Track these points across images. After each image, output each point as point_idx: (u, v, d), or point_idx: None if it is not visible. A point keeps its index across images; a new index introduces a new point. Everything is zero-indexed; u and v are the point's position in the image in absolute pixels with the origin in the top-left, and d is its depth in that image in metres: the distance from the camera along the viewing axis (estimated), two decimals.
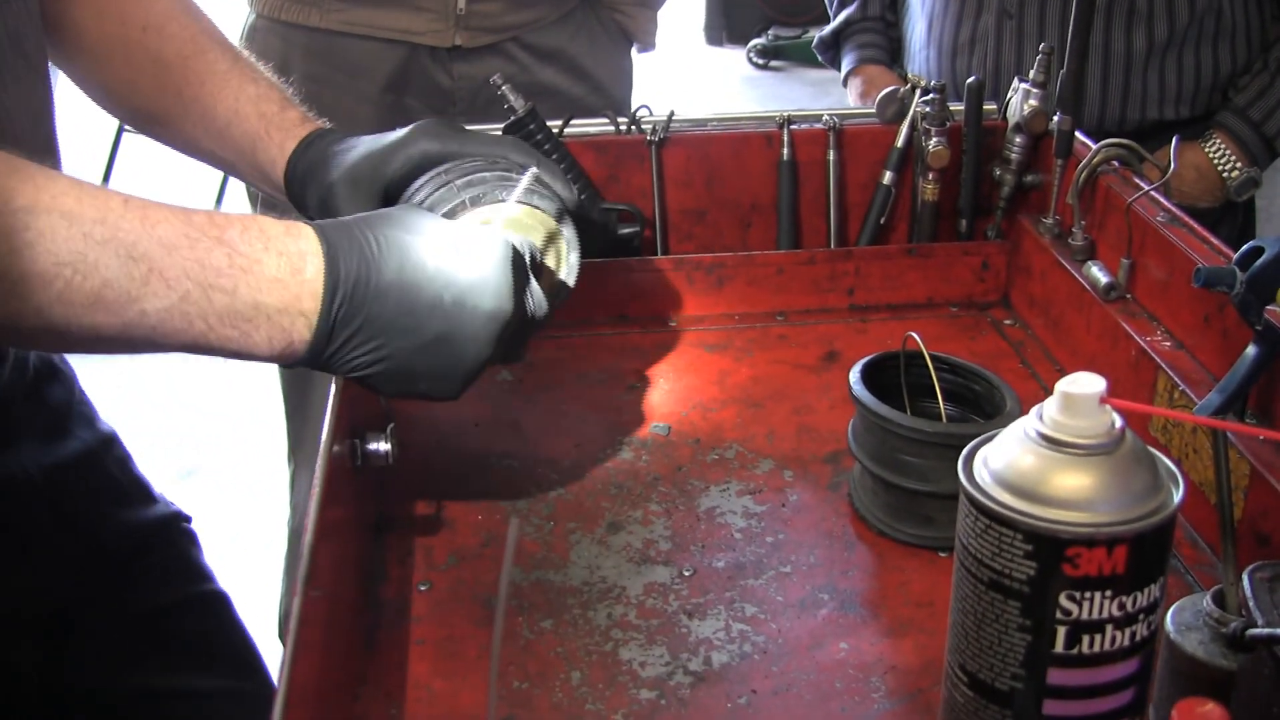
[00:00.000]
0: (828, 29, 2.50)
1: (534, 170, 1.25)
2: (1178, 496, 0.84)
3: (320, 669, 0.98)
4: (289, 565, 2.56)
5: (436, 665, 1.13)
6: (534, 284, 1.16)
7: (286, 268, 1.02)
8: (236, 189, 2.92)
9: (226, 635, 1.56)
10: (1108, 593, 0.82)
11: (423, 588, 1.22)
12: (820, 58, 2.56)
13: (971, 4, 2.19)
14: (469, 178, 1.24)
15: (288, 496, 2.51)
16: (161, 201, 1.00)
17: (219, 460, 3.83)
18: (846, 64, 2.45)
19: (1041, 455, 0.83)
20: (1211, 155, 2.12)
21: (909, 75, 1.85)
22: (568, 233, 1.27)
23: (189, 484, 3.70)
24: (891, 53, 2.43)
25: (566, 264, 1.28)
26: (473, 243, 1.10)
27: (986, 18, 2.17)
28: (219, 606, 1.55)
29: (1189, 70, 2.12)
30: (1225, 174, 2.12)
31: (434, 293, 1.06)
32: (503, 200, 1.22)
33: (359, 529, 1.26)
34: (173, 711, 1.49)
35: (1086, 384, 0.82)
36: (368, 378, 1.08)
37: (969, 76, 1.71)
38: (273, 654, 1.53)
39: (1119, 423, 0.83)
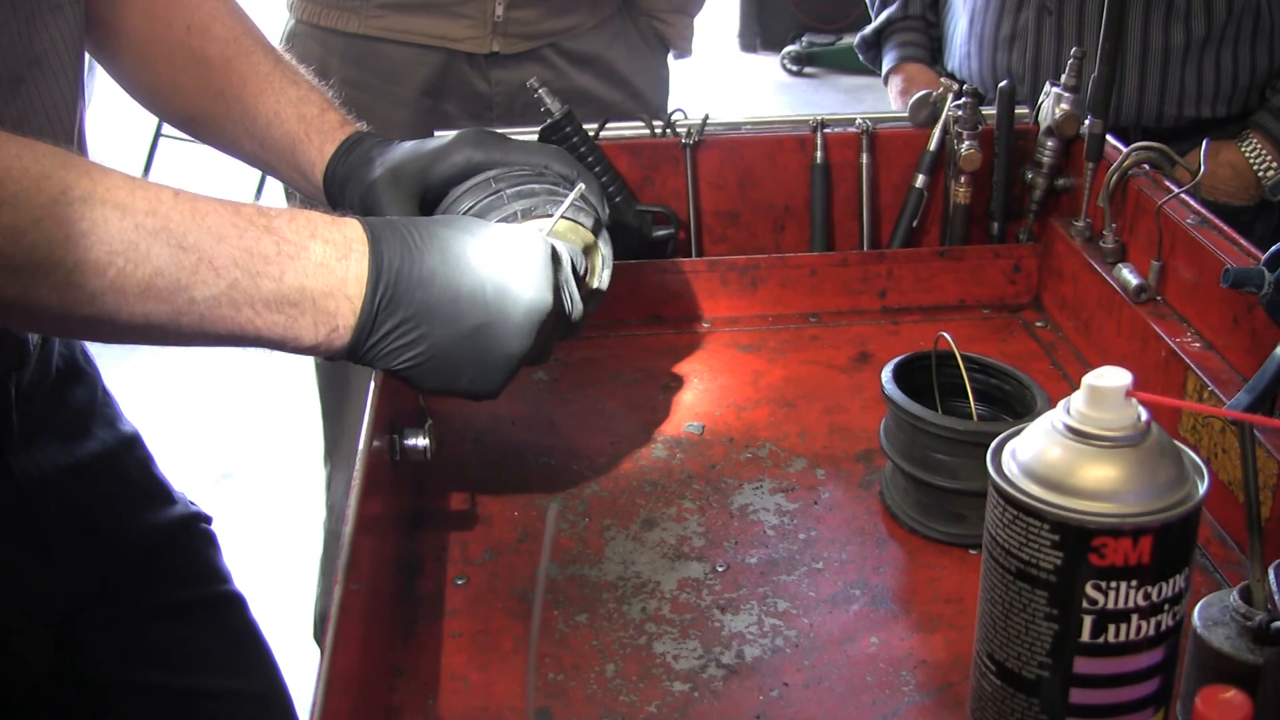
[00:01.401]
0: (869, 28, 2.52)
1: (581, 186, 1.28)
2: (1203, 488, 0.85)
3: (358, 659, 1.00)
4: (325, 567, 2.58)
5: (472, 657, 1.14)
6: (572, 283, 1.18)
7: (333, 254, 1.04)
8: (274, 189, 2.94)
9: (238, 637, 1.57)
10: (1133, 582, 0.84)
11: (459, 582, 1.23)
12: (861, 57, 2.58)
13: (1012, 1, 2.20)
14: (519, 188, 1.27)
15: (324, 498, 2.53)
16: (211, 195, 1.03)
17: (256, 463, 3.86)
18: (887, 62, 2.47)
19: (1069, 447, 0.84)
20: (1248, 154, 2.13)
21: (945, 77, 1.86)
22: (604, 248, 1.31)
23: (226, 486, 3.73)
24: (932, 51, 2.45)
25: (599, 277, 1.31)
26: (514, 239, 1.12)
27: (1027, 13, 2.18)
28: (233, 607, 1.57)
29: (1226, 69, 2.13)
30: (1261, 173, 2.13)
31: (475, 282, 1.08)
32: (550, 215, 1.25)
33: (397, 523, 1.28)
34: (183, 711, 1.50)
35: (1113, 377, 0.83)
36: (409, 369, 1.09)
37: (1008, 72, 1.72)
38: (297, 656, 1.55)
39: (1145, 416, 0.85)
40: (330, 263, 1.04)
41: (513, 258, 1.10)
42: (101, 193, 0.96)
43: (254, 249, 1.01)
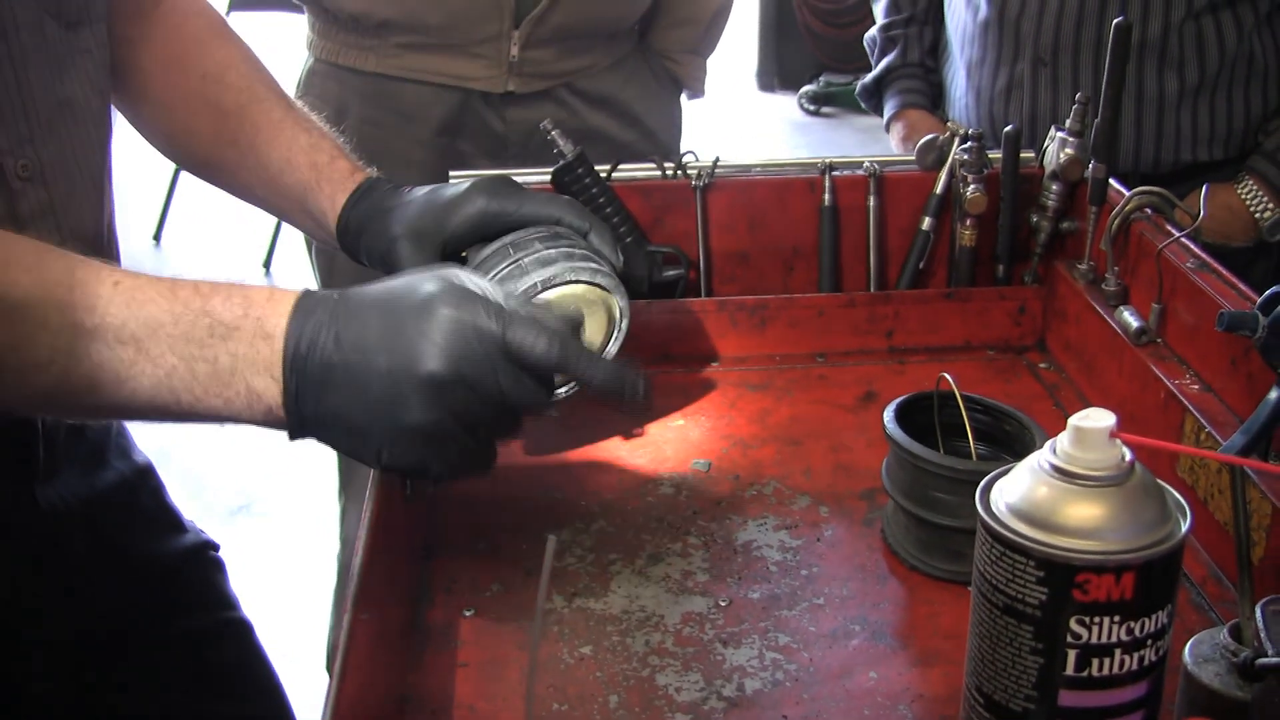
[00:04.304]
0: (870, 76, 2.54)
1: (597, 266, 1.32)
2: (1185, 527, 0.87)
3: (367, 687, 1.03)
4: (338, 599, 2.60)
5: (479, 687, 1.17)
6: (522, 372, 1.08)
7: (259, 332, 1.03)
8: (291, 231, 2.97)
9: (248, 662, 1.59)
10: (1116, 618, 0.86)
11: (468, 613, 1.26)
12: (863, 104, 2.61)
13: (1008, 52, 2.23)
14: (538, 255, 1.31)
15: (338, 531, 2.55)
16: (153, 276, 1.04)
17: (272, 497, 3.89)
18: (889, 109, 2.49)
19: (1054, 486, 0.87)
20: (1244, 197, 2.16)
21: (949, 122, 1.88)
22: (622, 303, 1.34)
23: (240, 519, 3.76)
24: (933, 98, 2.47)
25: (619, 330, 1.37)
26: (441, 315, 1.05)
27: (1022, 65, 2.21)
28: (242, 634, 1.59)
29: (1221, 113, 2.16)
30: (1258, 215, 2.15)
31: (376, 359, 1.03)
32: (570, 281, 1.29)
33: (407, 555, 1.31)
34: None
35: (1097, 419, 0.86)
36: (342, 446, 1.07)
37: (1006, 123, 1.75)
38: (310, 688, 1.57)
39: (1128, 456, 0.87)
40: (256, 344, 1.02)
41: (422, 331, 1.04)
42: (41, 293, 0.99)
43: (189, 334, 1.01)
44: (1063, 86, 2.17)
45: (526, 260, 1.30)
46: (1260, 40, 2.15)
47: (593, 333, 1.36)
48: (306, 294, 1.06)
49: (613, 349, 1.39)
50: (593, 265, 1.32)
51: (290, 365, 1.02)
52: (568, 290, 1.31)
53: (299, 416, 1.04)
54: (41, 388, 1.00)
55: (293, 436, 1.06)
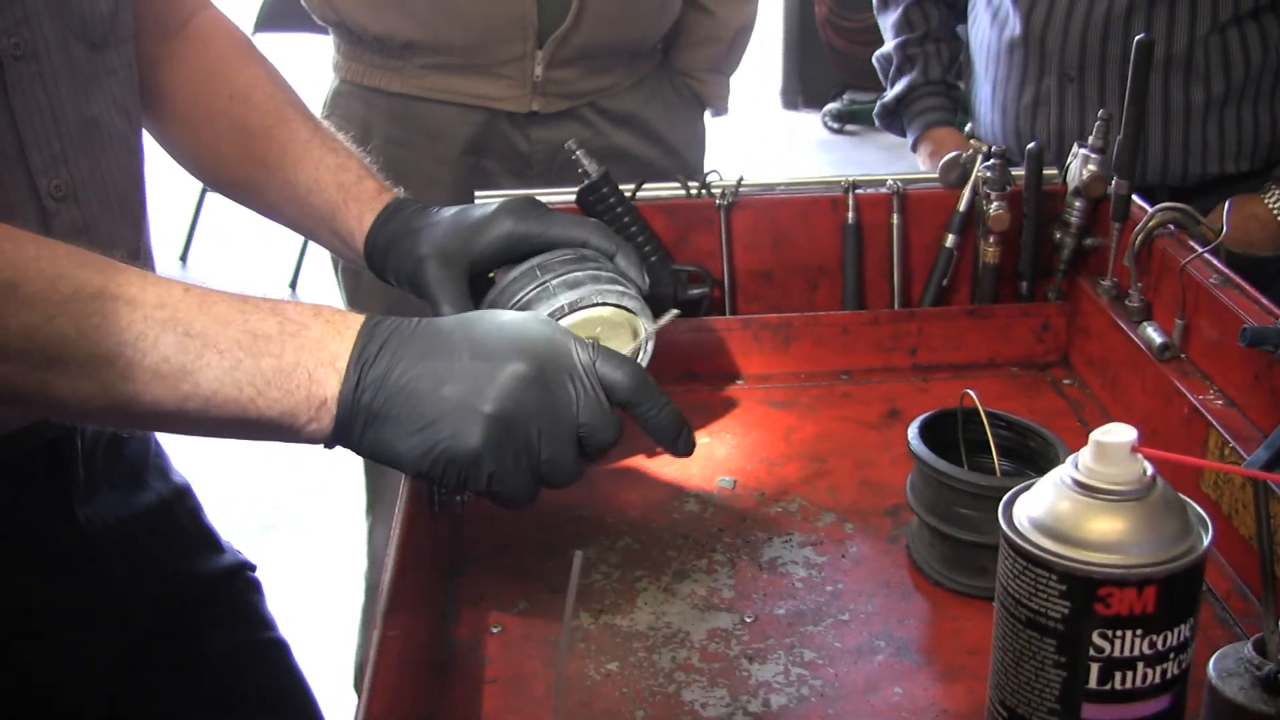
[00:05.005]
0: (889, 96, 2.53)
1: (624, 289, 1.33)
2: (1206, 540, 0.88)
3: (394, 703, 1.03)
4: (366, 617, 2.61)
5: (506, 702, 1.18)
6: (600, 393, 1.11)
7: (330, 332, 1.05)
8: (317, 252, 2.98)
9: (285, 683, 1.60)
10: (1139, 631, 0.87)
11: (495, 630, 1.27)
12: (881, 125, 2.61)
13: (1034, 69, 2.24)
14: (565, 277, 1.32)
15: (365, 550, 2.56)
16: (224, 290, 1.06)
17: (301, 515, 3.91)
18: (914, 129, 2.49)
19: (1076, 501, 0.88)
20: (1271, 206, 2.16)
21: (972, 140, 1.89)
22: (648, 326, 1.35)
23: (272, 538, 3.78)
24: (955, 114, 2.47)
25: (645, 353, 1.37)
26: (523, 322, 1.11)
27: (1048, 81, 2.22)
28: (279, 654, 1.59)
29: (1248, 125, 2.17)
30: None
31: (459, 344, 1.06)
32: (597, 304, 1.30)
33: (434, 573, 1.32)
34: None
35: (1119, 434, 0.87)
36: (396, 438, 1.06)
37: (1033, 139, 1.75)
38: (338, 706, 1.58)
39: (1150, 470, 0.88)
40: (326, 339, 1.04)
41: (514, 338, 1.08)
42: (113, 289, 1.00)
43: (257, 330, 1.03)
44: (1089, 102, 2.18)
45: (554, 283, 1.31)
46: None
47: (621, 345, 1.37)
48: (372, 316, 1.08)
49: (648, 351, 1.38)
50: (619, 288, 1.33)
51: (356, 353, 1.04)
52: (594, 313, 1.31)
53: (352, 411, 1.04)
54: (104, 381, 1.00)
55: (333, 439, 1.07)
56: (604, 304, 1.32)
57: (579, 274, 1.32)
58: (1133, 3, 2.12)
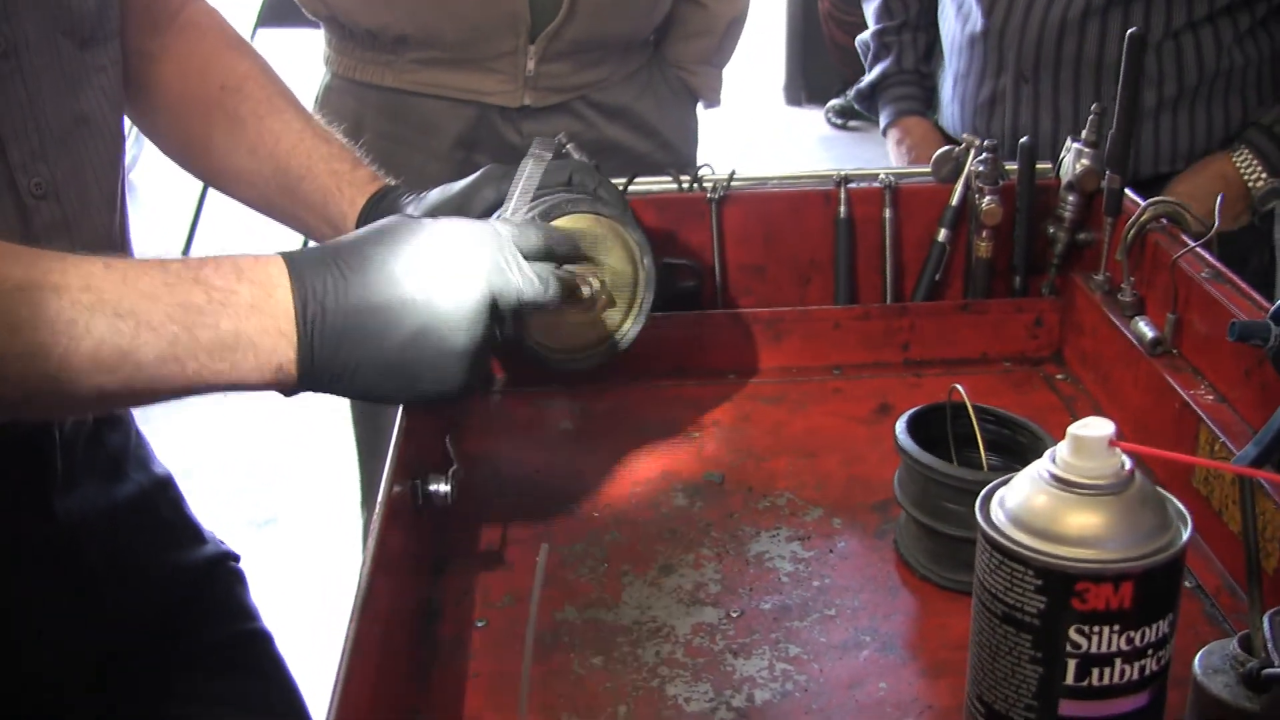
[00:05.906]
0: (865, 81, 2.55)
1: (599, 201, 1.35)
2: (1185, 535, 0.87)
3: (370, 698, 1.03)
4: None
5: (490, 698, 1.17)
6: (522, 261, 1.16)
7: (260, 294, 1.05)
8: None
9: (268, 673, 1.59)
10: (1116, 627, 0.86)
11: (479, 625, 1.26)
12: (859, 109, 2.63)
13: (992, 65, 2.24)
14: (539, 203, 1.33)
15: (360, 545, 2.56)
16: (141, 258, 1.06)
17: (297, 509, 3.91)
18: (885, 117, 2.51)
19: (1053, 495, 0.87)
20: (1239, 164, 2.15)
21: (964, 135, 1.88)
22: (637, 235, 1.37)
23: (267, 532, 3.78)
24: (928, 103, 2.48)
25: (638, 311, 1.40)
26: (444, 233, 1.12)
27: (1005, 79, 2.23)
28: (261, 645, 1.59)
29: (1200, 126, 2.17)
30: (1251, 184, 2.14)
31: (405, 291, 1.08)
32: (570, 213, 1.33)
33: (418, 567, 1.31)
34: None
35: (1096, 428, 0.86)
36: (366, 390, 1.10)
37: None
38: (319, 696, 1.56)
39: (1128, 465, 0.87)
40: (259, 302, 1.05)
41: (443, 254, 1.10)
42: (36, 277, 1.00)
43: (186, 302, 1.03)
44: (1043, 103, 2.19)
45: (529, 203, 1.34)
46: (1242, 53, 2.15)
47: (618, 261, 1.37)
48: (287, 253, 1.09)
49: (646, 266, 1.39)
50: (595, 197, 1.35)
51: (302, 319, 1.06)
52: (566, 222, 1.32)
53: (317, 368, 1.07)
54: (46, 373, 0.99)
55: (315, 390, 1.09)
56: (575, 212, 1.33)
57: (554, 199, 1.34)
58: (1089, 6, 2.12)
